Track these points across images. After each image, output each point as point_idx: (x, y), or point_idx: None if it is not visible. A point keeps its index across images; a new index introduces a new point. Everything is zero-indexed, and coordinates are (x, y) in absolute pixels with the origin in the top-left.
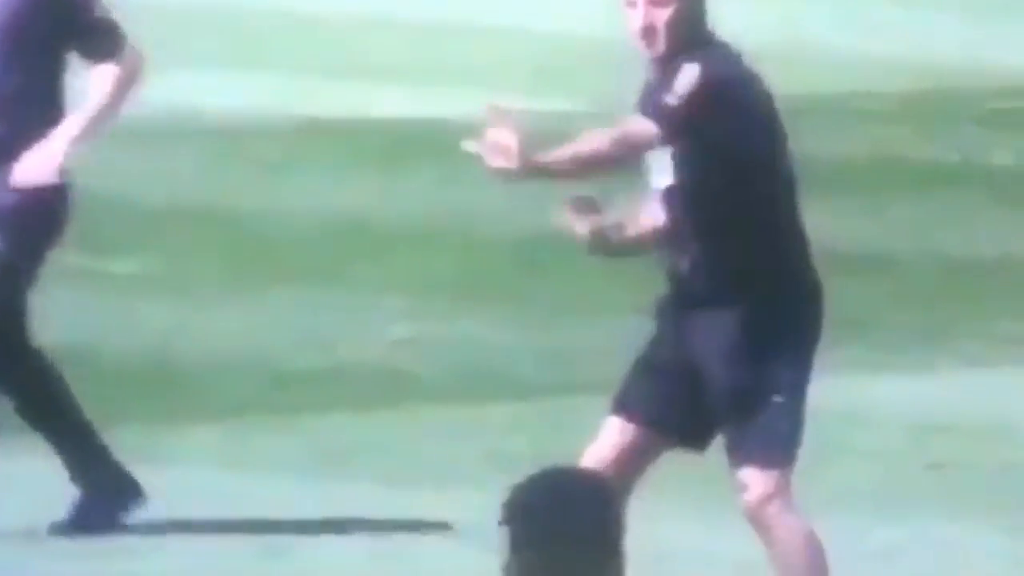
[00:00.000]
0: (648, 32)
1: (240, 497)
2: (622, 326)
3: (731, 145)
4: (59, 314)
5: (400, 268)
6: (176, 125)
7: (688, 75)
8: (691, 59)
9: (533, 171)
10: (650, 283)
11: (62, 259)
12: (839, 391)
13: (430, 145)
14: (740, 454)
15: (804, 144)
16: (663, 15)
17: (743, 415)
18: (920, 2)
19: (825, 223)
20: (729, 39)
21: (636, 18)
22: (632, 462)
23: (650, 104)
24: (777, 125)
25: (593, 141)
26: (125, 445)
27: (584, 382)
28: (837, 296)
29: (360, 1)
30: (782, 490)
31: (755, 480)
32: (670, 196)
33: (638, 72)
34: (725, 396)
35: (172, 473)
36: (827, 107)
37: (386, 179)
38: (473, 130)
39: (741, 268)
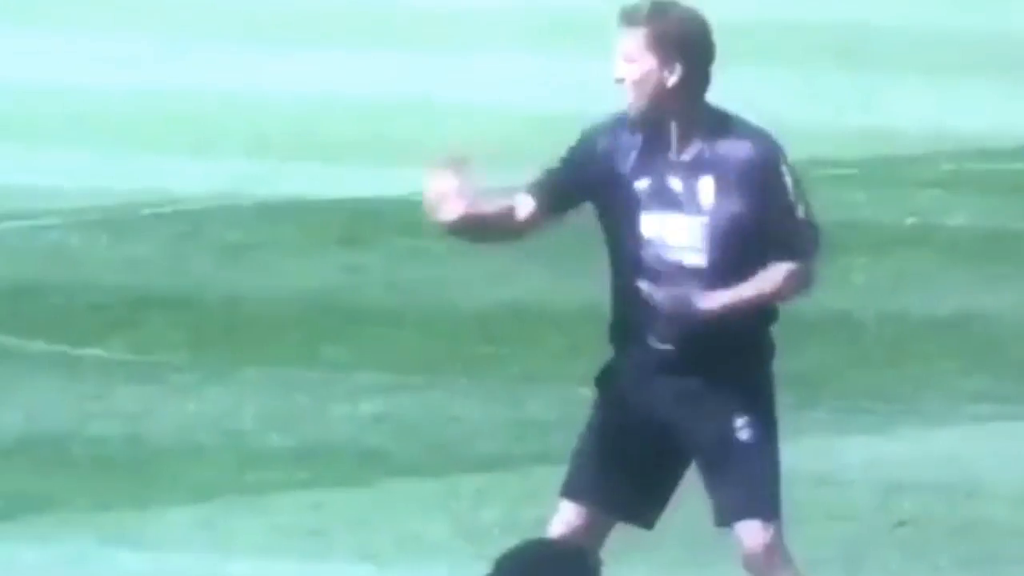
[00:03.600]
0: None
1: None
2: (586, 396)
3: (760, 217)
4: (30, 402)
5: (367, 345)
6: (139, 211)
7: (786, 171)
8: (769, 146)
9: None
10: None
11: (32, 347)
12: (804, 453)
13: (390, 223)
14: (729, 511)
15: None
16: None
17: (725, 467)
18: (874, 67)
19: None
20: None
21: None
22: (588, 539)
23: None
24: None
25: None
26: (100, 530)
27: (552, 452)
28: (799, 358)
29: (314, 82)
30: (779, 542)
31: (752, 532)
32: (694, 274)
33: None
34: (705, 451)
35: (147, 556)
36: None
37: (349, 257)
38: (424, 209)
39: (738, 333)
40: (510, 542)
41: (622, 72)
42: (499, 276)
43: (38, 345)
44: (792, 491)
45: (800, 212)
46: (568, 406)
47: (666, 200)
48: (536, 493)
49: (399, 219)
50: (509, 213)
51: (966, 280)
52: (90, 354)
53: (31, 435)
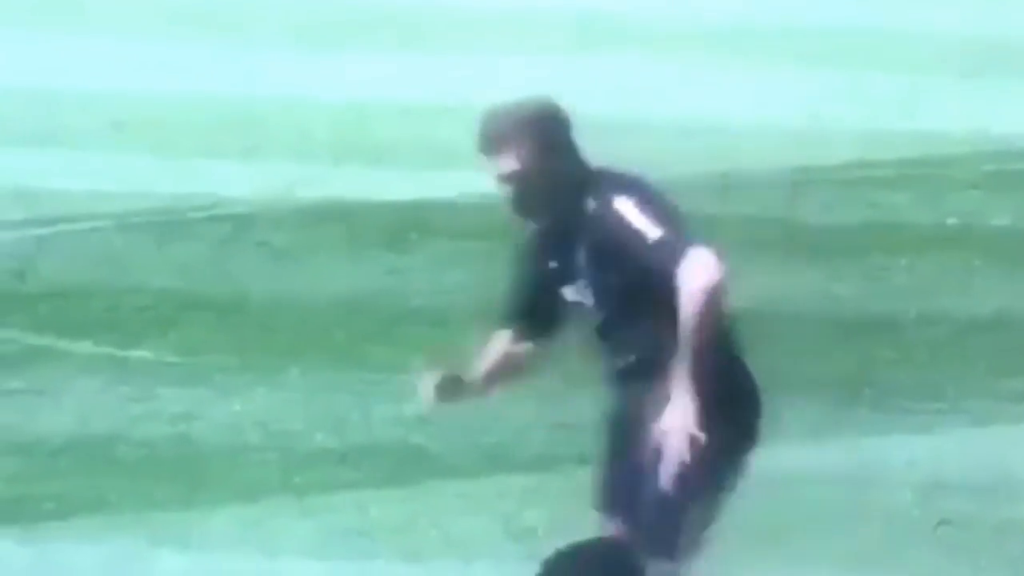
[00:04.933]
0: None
1: None
2: None
3: (624, 267)
4: (78, 403)
5: (411, 346)
6: (186, 214)
7: (626, 207)
8: (607, 195)
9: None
10: None
11: (79, 349)
12: (846, 453)
13: (435, 225)
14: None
15: (806, 213)
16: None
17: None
18: (915, 69)
19: (827, 288)
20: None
21: (503, 191)
22: None
23: (624, 254)
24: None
25: (697, 306)
26: (147, 531)
27: (595, 454)
28: (841, 359)
29: (360, 85)
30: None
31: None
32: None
33: (633, 146)
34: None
35: (193, 557)
36: (827, 177)
37: (394, 260)
38: (474, 210)
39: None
40: (556, 543)
41: (500, 190)
42: None
43: (86, 347)
44: (834, 491)
45: (651, 237)
46: None
47: (567, 274)
48: (580, 494)
49: (443, 222)
50: (508, 359)
51: (1007, 280)
52: (137, 356)
53: (79, 436)
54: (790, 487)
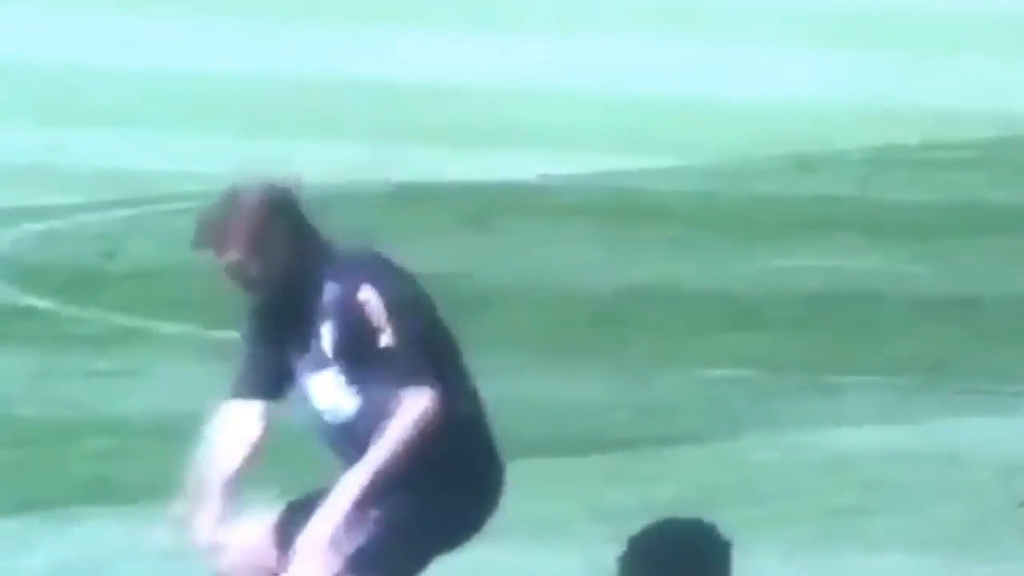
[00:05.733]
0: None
1: None
2: (713, 377)
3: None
4: (163, 385)
5: (494, 326)
6: None
7: (365, 297)
8: (351, 281)
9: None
10: (739, 335)
11: (165, 330)
12: (926, 434)
13: (518, 206)
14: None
15: (884, 194)
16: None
17: None
18: (993, 50)
19: (902, 269)
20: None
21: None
22: None
23: (339, 350)
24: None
25: (391, 442)
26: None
27: (680, 433)
28: (920, 340)
29: (443, 67)
30: None
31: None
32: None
33: (709, 127)
34: None
35: None
36: (904, 158)
37: (474, 240)
38: (554, 192)
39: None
40: (640, 523)
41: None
42: (624, 259)
43: (173, 327)
44: (913, 472)
45: (383, 341)
46: (693, 387)
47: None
48: (664, 474)
49: (526, 202)
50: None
51: None
52: (224, 336)
53: (166, 416)
54: (868, 469)
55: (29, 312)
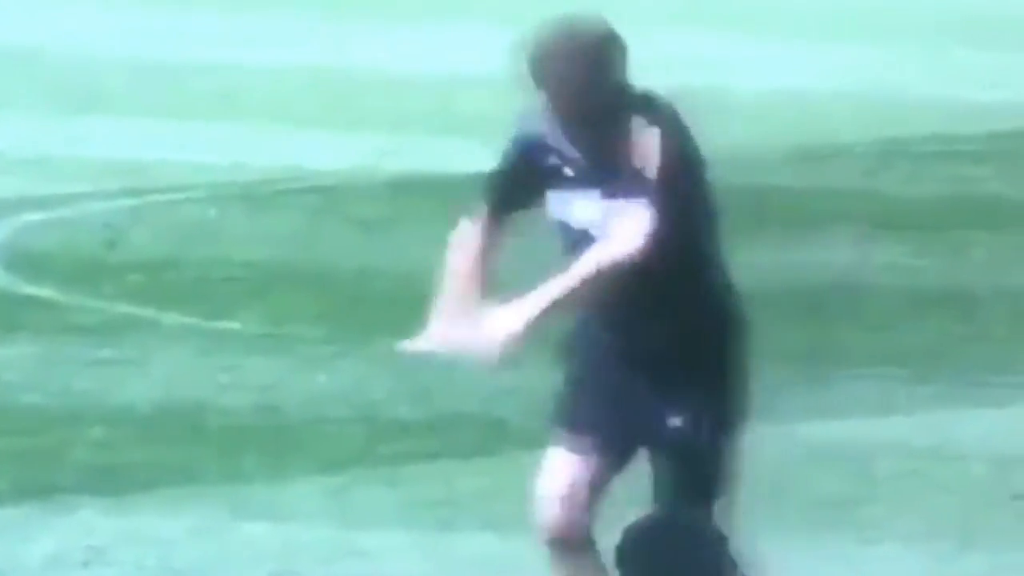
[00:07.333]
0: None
1: (346, 552)
2: None
3: (693, 197)
4: (164, 374)
5: None
6: (275, 186)
7: (649, 139)
8: (638, 118)
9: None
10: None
11: (167, 319)
12: (921, 427)
13: None
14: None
15: (888, 185)
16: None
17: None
18: (1000, 44)
19: (907, 261)
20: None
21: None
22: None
23: (615, 180)
24: (704, 164)
25: (594, 262)
26: (231, 501)
27: None
28: (916, 332)
29: (452, 57)
30: None
31: None
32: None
33: (713, 119)
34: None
35: (277, 528)
36: (910, 149)
37: None
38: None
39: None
40: (636, 513)
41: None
42: None
43: (175, 317)
44: (908, 464)
45: (649, 173)
46: None
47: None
48: None
49: None
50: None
51: None
52: (224, 327)
53: (166, 406)
54: (863, 460)
55: (32, 301)
